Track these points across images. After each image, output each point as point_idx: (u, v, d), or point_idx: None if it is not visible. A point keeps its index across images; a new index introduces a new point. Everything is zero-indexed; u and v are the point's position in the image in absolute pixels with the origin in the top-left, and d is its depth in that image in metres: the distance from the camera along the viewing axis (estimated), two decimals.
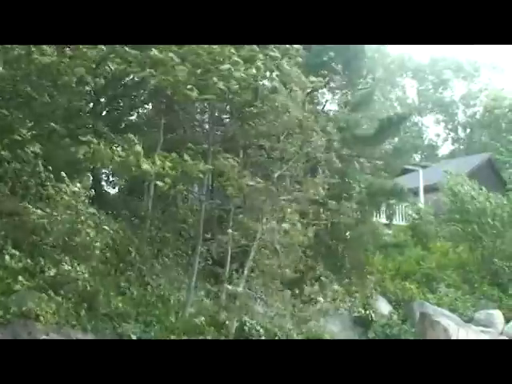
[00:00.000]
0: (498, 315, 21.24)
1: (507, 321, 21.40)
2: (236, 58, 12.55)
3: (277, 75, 13.66)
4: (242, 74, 12.63)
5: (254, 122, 14.55)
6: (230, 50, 12.56)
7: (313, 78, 14.80)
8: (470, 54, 71.02)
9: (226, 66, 12.47)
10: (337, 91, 20.81)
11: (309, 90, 14.97)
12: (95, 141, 11.74)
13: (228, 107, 16.26)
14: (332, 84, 19.03)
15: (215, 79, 12.48)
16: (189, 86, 12.56)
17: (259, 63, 12.95)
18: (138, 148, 11.62)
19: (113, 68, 13.62)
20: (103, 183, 21.65)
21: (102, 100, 18.85)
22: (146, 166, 11.45)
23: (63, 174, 12.74)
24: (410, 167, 31.55)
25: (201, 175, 12.76)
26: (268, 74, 13.34)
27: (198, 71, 12.73)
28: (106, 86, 15.94)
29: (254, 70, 12.78)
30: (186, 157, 12.15)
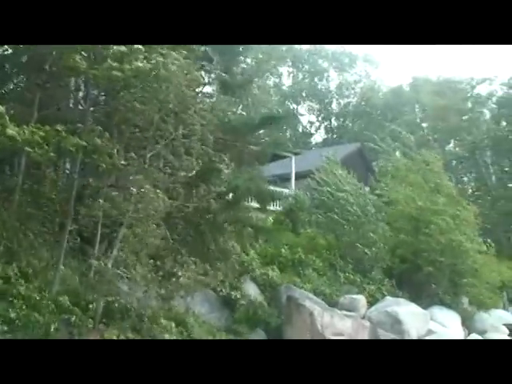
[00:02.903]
0: (361, 300, 22.16)
1: (369, 305, 22.29)
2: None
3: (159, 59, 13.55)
4: (138, 62, 12.52)
5: (131, 101, 14.45)
6: None
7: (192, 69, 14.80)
8: (346, 45, 72.57)
9: (123, 48, 12.31)
10: (213, 75, 20.97)
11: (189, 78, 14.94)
12: None
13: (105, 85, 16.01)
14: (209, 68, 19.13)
15: (109, 60, 12.33)
16: (79, 57, 12.38)
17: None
18: (0, 108, 11.10)
19: None
20: None
21: None
22: (11, 131, 10.97)
23: None
24: (284, 153, 32.04)
25: (73, 150, 12.53)
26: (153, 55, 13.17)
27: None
28: None
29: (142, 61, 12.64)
30: (60, 128, 11.82)
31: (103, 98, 16.87)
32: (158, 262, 14.51)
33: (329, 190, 26.86)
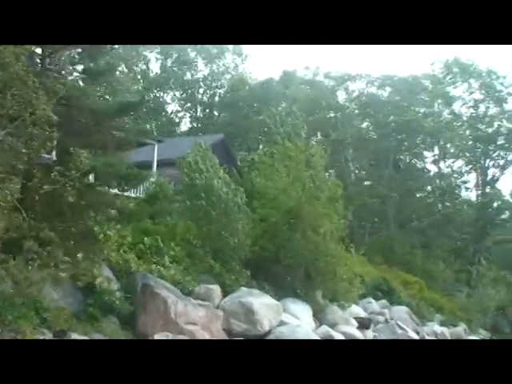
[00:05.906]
0: (215, 290, 22.33)
1: (224, 295, 22.49)
2: None
3: None
4: None
5: None
6: None
7: None
8: None
9: None
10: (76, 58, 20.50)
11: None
12: None
13: None
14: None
15: None
16: None
17: None
18: None
19: None
20: None
21: None
22: None
23: None
24: (146, 141, 31.83)
25: None
26: None
27: None
28: None
29: None
30: None
31: None
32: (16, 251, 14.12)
33: (203, 176, 26.57)
